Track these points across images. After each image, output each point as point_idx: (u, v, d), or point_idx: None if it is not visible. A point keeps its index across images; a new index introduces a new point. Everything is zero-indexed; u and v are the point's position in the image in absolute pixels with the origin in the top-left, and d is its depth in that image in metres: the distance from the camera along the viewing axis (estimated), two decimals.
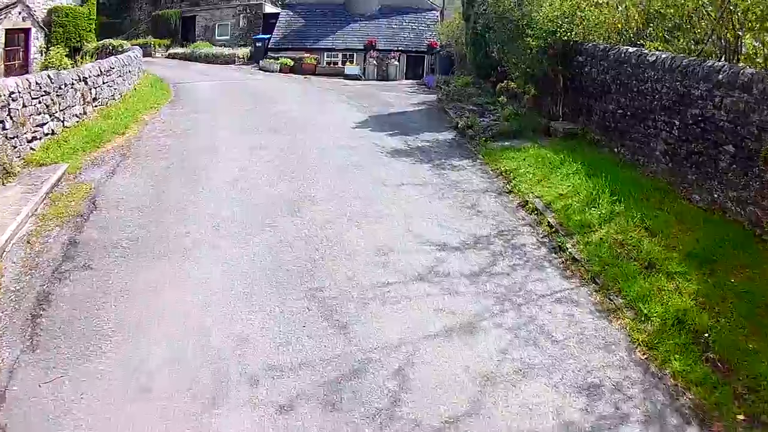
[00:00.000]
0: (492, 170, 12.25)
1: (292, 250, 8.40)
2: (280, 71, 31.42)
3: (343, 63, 34.14)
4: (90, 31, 31.18)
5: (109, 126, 14.79)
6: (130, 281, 7.54)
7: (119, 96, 17.99)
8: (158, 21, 41.00)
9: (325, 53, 34.40)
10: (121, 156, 12.71)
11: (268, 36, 35.05)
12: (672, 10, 12.35)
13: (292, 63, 32.03)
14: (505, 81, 15.52)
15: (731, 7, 10.21)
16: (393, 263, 8.14)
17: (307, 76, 30.41)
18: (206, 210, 9.72)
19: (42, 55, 28.07)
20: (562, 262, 8.63)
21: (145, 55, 37.83)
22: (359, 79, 30.30)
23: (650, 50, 11.77)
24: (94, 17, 31.68)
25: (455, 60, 27.75)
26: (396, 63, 30.58)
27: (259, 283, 7.54)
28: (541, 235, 9.42)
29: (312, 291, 7.39)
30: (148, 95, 19.90)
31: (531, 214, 10.16)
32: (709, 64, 9.70)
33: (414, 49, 34.09)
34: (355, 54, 34.09)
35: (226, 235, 8.84)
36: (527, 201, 10.53)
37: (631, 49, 12.15)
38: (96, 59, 21.80)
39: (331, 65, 33.99)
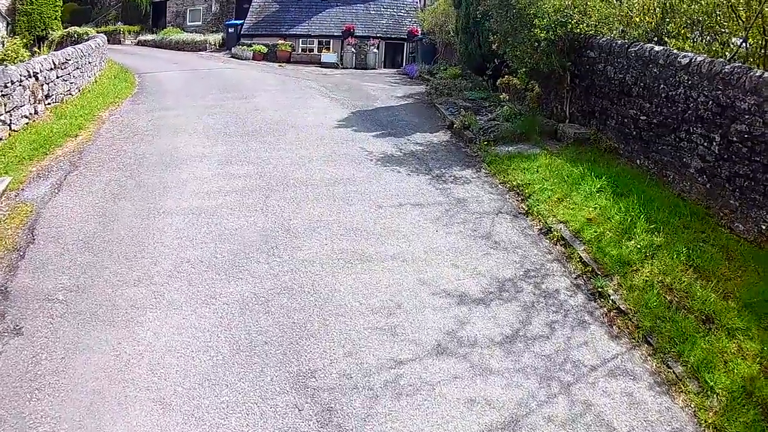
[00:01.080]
0: (501, 183, 10.30)
1: (270, 311, 6.37)
2: (254, 59, 29.14)
3: (320, 50, 31.88)
4: (56, 18, 28.52)
5: (61, 127, 12.61)
6: (67, 358, 5.55)
7: (77, 91, 15.69)
8: (128, 7, 38.26)
9: (301, 40, 32.07)
10: (70, 165, 10.60)
11: (241, 21, 32.62)
12: (695, 6, 10.58)
13: (266, 50, 29.75)
14: (506, 76, 13.53)
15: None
16: (403, 328, 6.17)
17: (282, 63, 28.17)
18: (163, 248, 7.65)
19: (2, 46, 25.39)
20: (606, 313, 6.83)
21: (113, 43, 35.52)
22: (336, 68, 28.13)
23: (680, 50, 9.96)
24: (61, 4, 28.93)
25: (439, 49, 25.70)
26: (375, 51, 28.44)
27: (230, 365, 5.53)
28: (575, 275, 7.56)
29: (301, 377, 5.40)
30: (109, 88, 17.59)
31: (557, 245, 8.29)
32: (758, 74, 7.97)
33: (393, 36, 31.93)
34: (331, 41, 31.82)
35: (187, 286, 6.79)
36: (550, 227, 8.66)
37: (657, 48, 10.29)
38: (59, 48, 19.56)
39: (307, 52, 31.70)
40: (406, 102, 17.68)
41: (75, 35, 26.48)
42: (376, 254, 7.57)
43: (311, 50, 32.01)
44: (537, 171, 10.41)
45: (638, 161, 10.66)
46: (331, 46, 31.59)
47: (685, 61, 9.46)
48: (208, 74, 22.00)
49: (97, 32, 35.83)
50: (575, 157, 11.10)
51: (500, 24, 12.90)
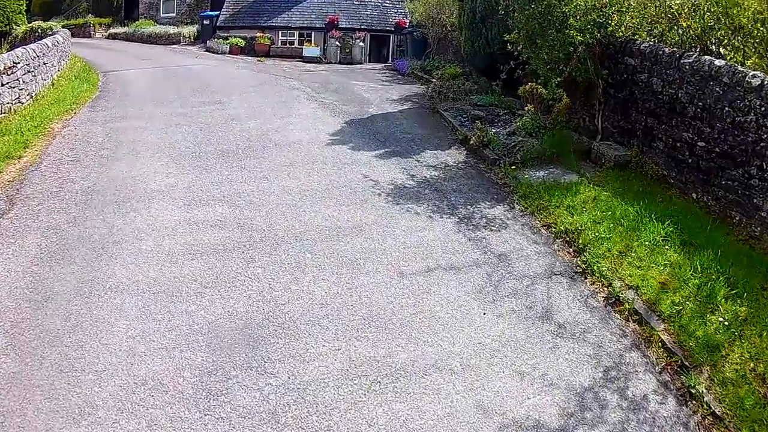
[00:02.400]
0: (544, 227, 8.08)
1: None
2: (230, 53, 26.48)
3: (301, 43, 29.24)
4: (20, 12, 25.43)
5: (2, 147, 10.15)
6: None
7: (28, 98, 13.12)
8: None
9: (280, 32, 29.39)
10: (6, 202, 8.20)
11: (217, 13, 29.83)
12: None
13: (244, 43, 27.10)
14: (529, 84, 11.23)
15: None
16: None
17: (261, 58, 25.58)
18: (110, 355, 5.28)
19: None
20: (700, 422, 5.06)
21: (83, 37, 32.56)
22: (320, 62, 25.62)
23: (746, 68, 7.88)
24: None
25: (431, 43, 23.31)
26: (361, 44, 25.92)
27: None
28: (659, 368, 5.66)
29: None
30: (67, 92, 14.98)
31: (630, 321, 6.24)
32: None
33: (378, 29, 29.41)
34: (313, 33, 29.21)
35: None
36: (618, 296, 6.54)
37: (717, 63, 8.19)
38: (22, 45, 16.92)
39: (288, 46, 29.06)
40: (404, 107, 15.36)
41: (39, 30, 23.57)
42: (410, 363, 5.27)
43: (292, 43, 29.38)
44: (584, 209, 8.23)
45: (694, 195, 8.57)
46: (312, 38, 28.98)
47: (755, 82, 7.46)
48: (180, 72, 19.39)
49: (66, 25, 32.98)
50: (621, 187, 8.99)
51: (526, 22, 10.58)
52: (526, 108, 11.66)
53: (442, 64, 20.43)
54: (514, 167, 9.90)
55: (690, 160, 8.69)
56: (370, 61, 26.50)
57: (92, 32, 32.28)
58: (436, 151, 11.28)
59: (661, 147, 9.36)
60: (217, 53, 26.30)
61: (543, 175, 9.54)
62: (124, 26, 32.46)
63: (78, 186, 8.87)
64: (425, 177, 9.82)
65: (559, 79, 10.16)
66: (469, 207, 8.60)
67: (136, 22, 32.13)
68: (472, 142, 11.20)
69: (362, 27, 28.90)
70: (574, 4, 9.92)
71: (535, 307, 6.22)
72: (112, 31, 32.07)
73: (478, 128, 11.28)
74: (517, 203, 8.82)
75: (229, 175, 9.52)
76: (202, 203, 8.39)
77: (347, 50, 25.62)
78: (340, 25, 27.52)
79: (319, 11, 29.58)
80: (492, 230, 7.88)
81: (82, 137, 11.36)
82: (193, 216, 7.96)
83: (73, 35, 32.73)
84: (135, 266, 6.62)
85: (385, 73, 22.48)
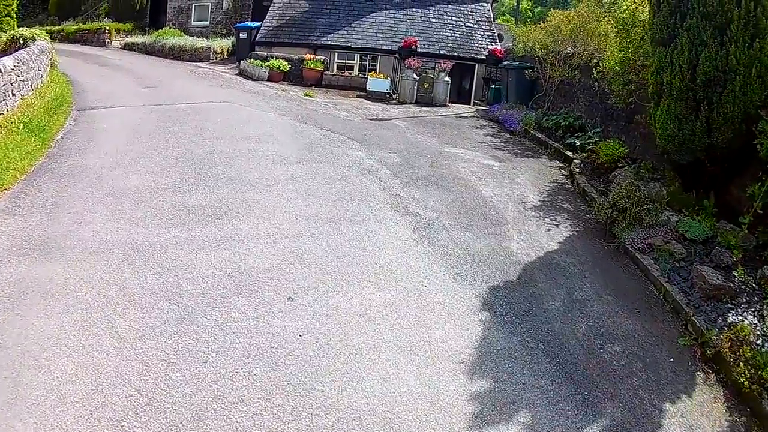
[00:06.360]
0: None
1: None
2: (270, 79, 19.60)
3: (362, 69, 22.26)
4: (7, 15, 18.76)
5: None
6: None
7: None
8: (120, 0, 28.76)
9: (336, 53, 22.43)
10: None
11: (257, 24, 23.00)
12: None
13: (288, 67, 20.19)
14: None
15: None
16: None
17: (310, 90, 18.59)
18: None
19: None
20: None
21: (96, 45, 25.87)
22: (389, 100, 18.52)
23: None
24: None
25: (542, 85, 16.02)
26: (447, 79, 18.61)
27: None
28: None
29: None
30: (3, 152, 8.42)
31: None
32: None
33: (461, 55, 22.19)
34: (379, 57, 22.16)
35: None
36: None
37: None
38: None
39: (345, 73, 22.07)
40: (561, 231, 8.22)
41: (21, 40, 16.92)
42: None
43: (350, 69, 22.37)
44: None
45: None
46: (378, 65, 21.93)
47: None
48: (185, 119, 12.27)
49: (78, 30, 26.53)
50: None
51: None
52: None
53: (574, 122, 13.32)
54: None
55: None
56: (450, 101, 19.26)
57: (107, 40, 25.77)
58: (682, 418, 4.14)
59: None
60: (253, 79, 19.43)
61: None
62: (144, 34, 25.90)
63: None
64: None
65: None
66: None
67: (160, 30, 25.46)
68: (742, 380, 3.90)
69: (441, 53, 21.75)
70: None
71: None
72: (129, 40, 25.48)
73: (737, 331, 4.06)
74: None
75: None
76: None
77: (426, 86, 18.38)
78: (419, 50, 20.32)
79: (387, 29, 22.52)
80: None
81: None
82: None
83: (83, 42, 26.29)
84: None
85: (484, 126, 15.24)
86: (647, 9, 9.91)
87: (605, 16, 14.22)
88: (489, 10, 24.33)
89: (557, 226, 8.49)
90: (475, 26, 23.39)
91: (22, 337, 4.81)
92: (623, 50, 10.60)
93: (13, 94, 10.30)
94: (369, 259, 6.72)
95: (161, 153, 9.84)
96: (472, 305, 6.08)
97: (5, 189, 8.00)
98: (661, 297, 6.61)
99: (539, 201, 9.44)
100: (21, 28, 18.57)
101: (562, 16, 14.82)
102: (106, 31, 26.07)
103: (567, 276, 6.99)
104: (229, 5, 26.56)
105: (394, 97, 18.76)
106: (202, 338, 5.06)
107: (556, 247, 7.76)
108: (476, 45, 22.59)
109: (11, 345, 4.70)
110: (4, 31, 18.09)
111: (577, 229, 8.46)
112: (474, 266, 6.92)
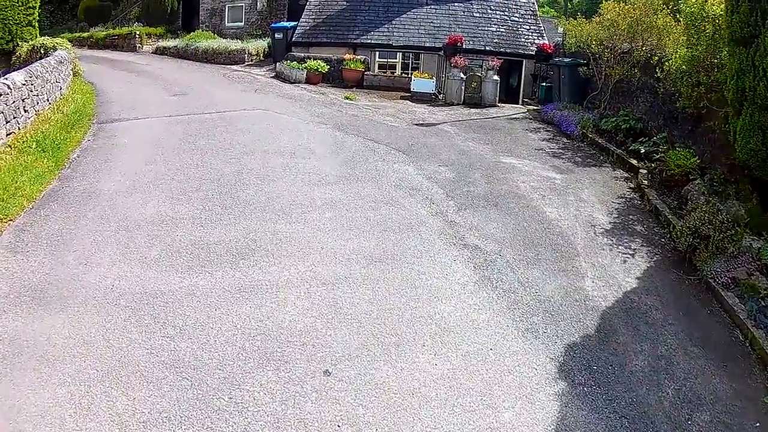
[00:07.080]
0: None
1: None
2: (308, 81, 18.51)
3: (405, 67, 21.04)
4: (29, 24, 18.03)
5: None
6: None
7: None
8: (151, 3, 28.04)
9: (377, 52, 21.25)
10: None
11: (293, 24, 21.94)
12: None
13: (327, 68, 19.04)
14: None
15: None
16: None
17: (350, 92, 17.45)
18: None
19: None
20: None
21: (126, 50, 25.13)
22: (435, 102, 17.23)
23: None
24: (36, 4, 18.37)
25: (597, 84, 14.49)
26: (495, 77, 17.21)
27: None
28: None
29: None
30: (11, 177, 7.76)
31: None
32: None
33: (507, 51, 20.74)
34: (422, 55, 20.90)
35: None
36: None
37: None
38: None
39: (387, 73, 20.86)
40: (638, 263, 7.04)
41: (42, 49, 16.16)
42: None
43: (393, 69, 21.17)
44: None
45: None
46: (421, 63, 20.67)
47: None
48: (214, 129, 11.24)
49: (107, 36, 25.90)
50: None
51: None
52: None
53: (635, 125, 11.97)
54: None
55: None
56: (499, 101, 17.83)
57: (138, 44, 25.08)
58: None
59: None
60: (289, 82, 18.37)
61: None
62: (176, 38, 25.13)
63: None
64: None
65: None
66: None
67: (192, 33, 24.62)
68: None
69: (487, 49, 20.34)
70: None
71: None
72: (160, 44, 24.73)
73: None
74: None
75: None
76: None
77: (474, 85, 17.03)
78: (464, 47, 18.94)
79: (429, 25, 21.21)
80: None
81: None
82: None
83: (113, 47, 25.52)
84: None
85: (538, 130, 13.85)
86: (717, 2, 8.61)
87: (663, 9, 12.74)
88: (533, 3, 22.84)
89: (632, 255, 7.19)
90: (520, 20, 21.91)
91: (14, 411, 4.03)
92: (691, 48, 9.22)
93: (26, 111, 9.40)
94: (422, 313, 5.51)
95: (184, 173, 8.79)
96: (546, 373, 4.89)
97: (10, 220, 7.12)
98: (747, 345, 5.53)
99: (609, 223, 8.10)
100: (43, 37, 17.86)
101: (617, 9, 13.27)
102: (137, 36, 25.38)
103: (649, 324, 5.78)
104: (263, 5, 25.58)
105: (440, 97, 17.46)
106: (219, 428, 3.96)
107: (634, 285, 6.49)
108: (523, 40, 21.13)
109: (2, 421, 3.91)
110: (25, 41, 17.39)
111: (654, 258, 7.16)
112: (546, 317, 5.69)
